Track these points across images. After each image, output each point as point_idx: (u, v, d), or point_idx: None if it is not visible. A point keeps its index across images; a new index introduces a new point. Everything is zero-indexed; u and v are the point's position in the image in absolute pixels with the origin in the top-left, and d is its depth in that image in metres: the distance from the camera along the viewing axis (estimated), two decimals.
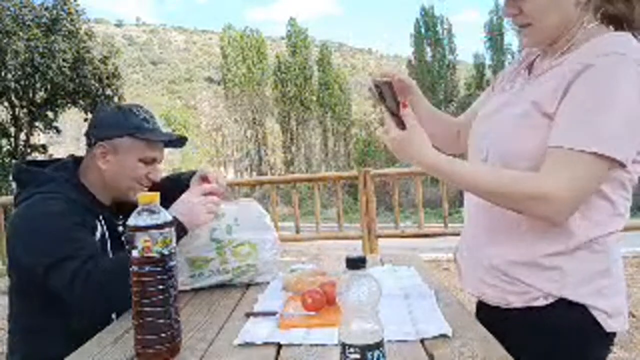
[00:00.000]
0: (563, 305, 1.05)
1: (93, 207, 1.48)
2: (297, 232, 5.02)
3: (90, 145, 1.53)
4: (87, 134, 1.55)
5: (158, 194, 1.02)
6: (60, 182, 1.45)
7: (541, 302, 1.06)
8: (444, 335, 0.99)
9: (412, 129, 1.08)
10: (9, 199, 5.38)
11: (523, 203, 1.00)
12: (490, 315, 1.13)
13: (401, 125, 1.09)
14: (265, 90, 41.91)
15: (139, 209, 0.99)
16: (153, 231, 0.96)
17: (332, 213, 16.66)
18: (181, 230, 1.35)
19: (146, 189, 1.53)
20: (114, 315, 1.40)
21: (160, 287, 0.97)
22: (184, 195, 1.42)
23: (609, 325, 1.06)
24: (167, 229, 0.98)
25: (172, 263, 0.99)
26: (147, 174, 1.53)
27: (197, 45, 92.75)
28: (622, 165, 0.97)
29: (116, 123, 1.50)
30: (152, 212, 0.98)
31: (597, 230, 1.05)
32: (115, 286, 1.20)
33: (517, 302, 1.09)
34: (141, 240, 0.96)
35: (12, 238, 1.40)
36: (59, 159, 1.61)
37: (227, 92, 42.21)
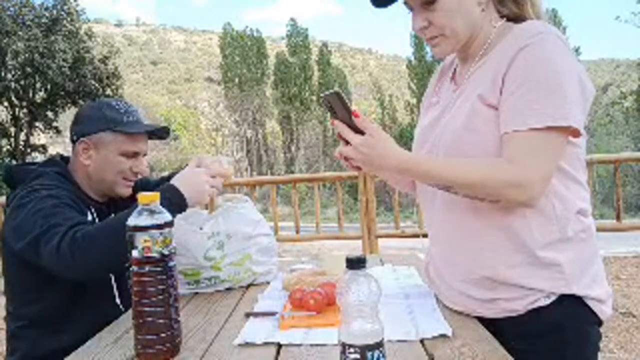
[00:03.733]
0: (562, 301, 1.03)
1: (84, 199, 1.48)
2: (297, 232, 5.02)
3: (73, 141, 1.52)
4: (70, 131, 1.55)
5: (158, 194, 1.02)
6: (50, 176, 1.45)
7: (543, 302, 1.03)
8: (444, 335, 0.99)
9: (374, 131, 1.02)
10: None
11: (501, 191, 0.98)
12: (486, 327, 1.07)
13: (359, 134, 1.02)
14: (265, 90, 41.91)
15: (138, 208, 0.99)
16: (153, 231, 0.96)
17: (332, 213, 16.67)
18: (181, 203, 1.29)
19: (131, 183, 1.52)
20: (117, 298, 1.43)
21: (160, 287, 0.97)
22: (187, 169, 1.39)
23: (602, 311, 1.06)
24: (167, 229, 0.98)
25: (172, 263, 0.99)
26: (131, 168, 1.51)
27: (197, 45, 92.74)
28: (577, 135, 0.99)
29: (95, 118, 1.49)
30: (152, 212, 0.98)
31: (577, 209, 1.06)
32: (104, 243, 1.19)
33: (518, 309, 1.05)
34: (141, 240, 0.95)
35: (7, 228, 1.39)
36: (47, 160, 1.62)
37: (227, 92, 42.18)
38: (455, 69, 1.21)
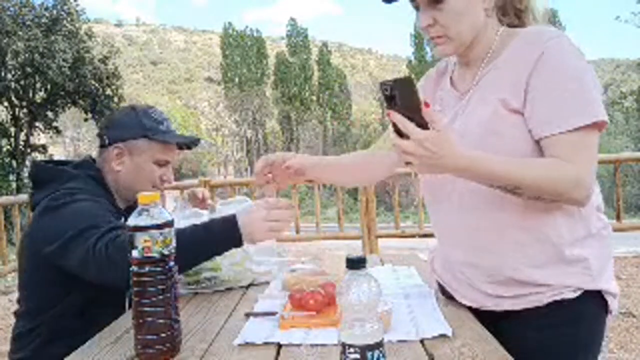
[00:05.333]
0: (585, 295, 1.05)
1: (116, 205, 1.48)
2: (297, 232, 5.02)
3: (103, 145, 1.50)
4: (100, 135, 1.53)
5: (158, 194, 1.02)
6: (84, 179, 1.43)
7: (568, 296, 1.05)
8: (443, 335, 0.99)
9: (441, 127, 0.90)
10: (9, 199, 5.37)
11: (567, 190, 0.97)
12: (498, 317, 1.09)
13: (424, 127, 0.89)
14: (265, 90, 41.92)
15: (138, 209, 0.99)
16: (153, 231, 0.96)
17: (332, 213, 16.68)
18: (237, 241, 1.23)
19: (159, 191, 1.51)
20: (126, 307, 1.40)
21: (161, 287, 0.97)
22: (251, 208, 1.27)
23: (614, 306, 1.09)
24: (167, 229, 0.98)
25: (172, 263, 0.99)
26: (161, 177, 1.52)
27: (197, 45, 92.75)
28: (603, 128, 1.01)
29: (131, 124, 1.49)
30: (152, 212, 0.98)
31: (596, 205, 1.09)
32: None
33: (541, 301, 1.06)
34: (141, 240, 0.95)
35: (35, 229, 1.37)
36: (71, 161, 1.58)
37: (227, 92, 42.19)
38: (451, 77, 1.21)
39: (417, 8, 1.09)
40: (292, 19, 44.61)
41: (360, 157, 1.41)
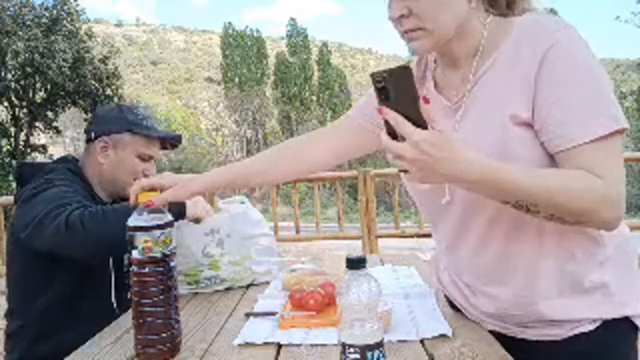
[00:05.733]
0: (609, 323, 0.93)
1: (93, 196, 1.52)
2: (297, 232, 5.02)
3: (89, 140, 1.58)
4: (86, 130, 1.61)
5: (158, 192, 1.02)
6: (62, 171, 1.50)
7: (587, 329, 0.93)
8: (443, 335, 0.99)
9: (446, 130, 0.77)
10: (8, 199, 5.38)
11: (596, 210, 0.81)
12: (517, 346, 0.97)
13: (421, 127, 0.75)
14: (265, 90, 41.93)
15: (139, 208, 0.99)
16: (155, 231, 0.96)
17: (332, 213, 16.67)
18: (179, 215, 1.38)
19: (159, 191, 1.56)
20: (112, 297, 1.46)
21: (161, 287, 0.97)
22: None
23: None
24: (168, 229, 0.98)
25: (172, 263, 0.99)
26: (143, 171, 1.57)
27: (197, 45, 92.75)
28: (622, 133, 0.85)
29: (116, 119, 1.56)
30: (152, 212, 0.98)
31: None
32: (108, 226, 1.22)
33: (560, 335, 0.94)
34: (142, 240, 0.95)
35: (16, 221, 1.41)
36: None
37: (227, 92, 42.21)
38: (434, 79, 1.03)
39: None
40: (292, 19, 44.62)
41: (292, 144, 1.23)
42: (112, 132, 1.54)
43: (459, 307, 1.10)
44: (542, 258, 0.91)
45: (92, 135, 1.56)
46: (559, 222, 0.84)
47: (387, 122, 0.76)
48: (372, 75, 0.76)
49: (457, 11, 0.89)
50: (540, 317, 0.94)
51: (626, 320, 0.93)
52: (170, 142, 1.66)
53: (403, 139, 0.75)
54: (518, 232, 0.91)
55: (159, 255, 0.96)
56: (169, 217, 1.00)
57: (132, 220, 0.97)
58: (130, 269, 0.98)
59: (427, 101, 0.76)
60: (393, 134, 0.77)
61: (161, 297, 0.97)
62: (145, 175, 1.57)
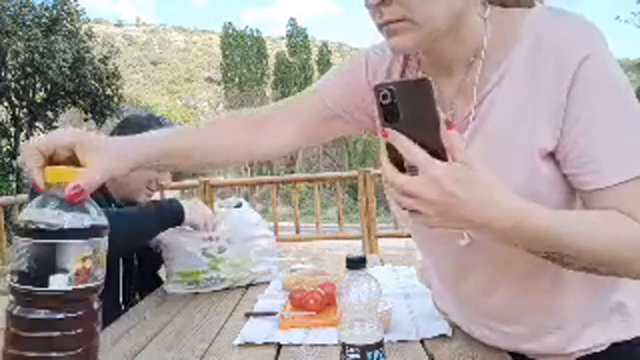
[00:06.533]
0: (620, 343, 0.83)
1: (107, 194, 1.53)
2: (297, 232, 5.02)
3: None
4: (111, 133, 1.62)
5: (73, 170, 0.65)
6: None
7: (599, 349, 0.84)
8: (443, 336, 0.99)
9: (470, 157, 0.59)
10: (8, 199, 5.38)
11: (636, 259, 0.67)
12: None
13: (439, 156, 0.59)
14: (265, 90, 41.93)
15: (44, 196, 0.62)
16: (95, 240, 0.60)
17: (332, 213, 16.67)
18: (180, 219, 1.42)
19: (152, 193, 1.56)
20: (120, 297, 1.47)
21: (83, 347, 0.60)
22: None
23: None
24: (104, 237, 0.63)
25: (97, 304, 0.65)
26: (157, 179, 1.57)
27: (197, 45, 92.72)
28: None
29: (140, 126, 1.56)
30: (86, 205, 0.61)
31: None
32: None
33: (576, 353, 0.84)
34: (77, 256, 0.57)
35: None
36: None
37: (227, 92, 42.22)
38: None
39: None
40: (292, 19, 44.64)
41: (244, 121, 0.95)
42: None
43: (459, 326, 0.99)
44: (561, 290, 0.80)
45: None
46: (591, 272, 0.71)
47: (390, 148, 0.60)
48: (377, 87, 0.59)
49: (449, 3, 0.70)
50: (560, 349, 0.84)
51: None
52: None
53: (413, 170, 0.59)
54: (537, 268, 0.77)
55: (94, 284, 0.61)
56: (95, 212, 0.63)
57: (44, 216, 0.57)
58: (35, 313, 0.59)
59: (451, 126, 0.59)
60: (398, 162, 0.61)
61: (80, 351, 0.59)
62: (159, 185, 1.57)
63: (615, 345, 0.83)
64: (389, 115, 0.60)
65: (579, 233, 0.65)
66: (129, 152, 0.76)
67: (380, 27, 0.73)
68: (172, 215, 1.44)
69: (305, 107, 0.94)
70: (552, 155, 0.71)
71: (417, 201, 0.60)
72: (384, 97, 0.59)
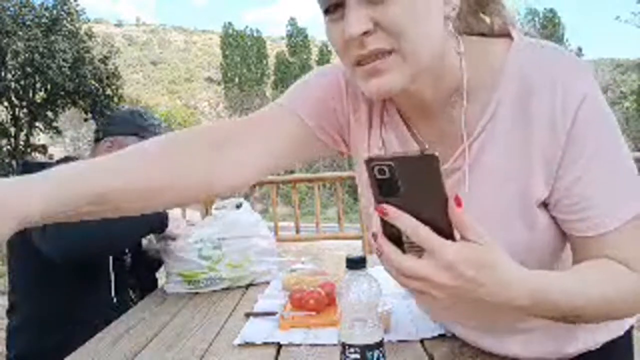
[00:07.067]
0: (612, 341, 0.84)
1: None
2: (297, 232, 5.02)
3: (97, 140, 1.61)
4: (96, 130, 1.64)
5: None
6: None
7: (593, 348, 0.84)
8: (443, 335, 0.99)
9: (482, 235, 0.54)
10: None
11: (636, 308, 0.68)
12: None
13: (444, 233, 0.54)
14: (265, 90, 41.95)
15: None
16: None
17: (332, 213, 16.68)
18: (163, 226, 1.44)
19: None
20: (112, 292, 1.48)
21: None
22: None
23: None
24: None
25: None
26: None
27: (197, 45, 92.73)
28: None
29: (125, 122, 1.59)
30: None
31: None
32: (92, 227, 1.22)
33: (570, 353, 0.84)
34: None
35: None
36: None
37: (227, 92, 42.26)
38: (383, 125, 0.77)
39: (328, 8, 0.63)
40: (292, 19, 44.67)
41: (192, 149, 0.73)
42: (119, 133, 1.57)
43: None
44: None
45: (100, 134, 1.59)
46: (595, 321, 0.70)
47: (386, 225, 0.54)
48: (371, 161, 0.51)
49: (434, 30, 0.62)
50: (556, 352, 0.82)
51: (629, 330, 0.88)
52: None
53: (414, 248, 0.54)
54: None
55: None
56: None
57: None
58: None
59: (460, 203, 0.52)
60: (394, 237, 0.55)
61: None
62: None
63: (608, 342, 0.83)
64: (387, 189, 0.52)
65: (591, 299, 0.63)
66: (13, 206, 0.55)
67: (356, 63, 0.62)
68: (159, 222, 1.46)
69: (276, 124, 0.79)
70: (545, 205, 0.68)
71: (427, 284, 0.54)
72: (381, 171, 0.52)
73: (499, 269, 0.55)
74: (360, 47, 0.60)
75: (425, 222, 0.52)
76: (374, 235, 0.54)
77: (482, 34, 0.71)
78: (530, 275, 0.59)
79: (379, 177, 0.51)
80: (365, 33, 0.59)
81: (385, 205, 0.52)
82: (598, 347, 0.83)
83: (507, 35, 0.69)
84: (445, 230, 0.53)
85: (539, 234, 0.68)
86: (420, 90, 0.67)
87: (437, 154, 0.50)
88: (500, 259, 0.55)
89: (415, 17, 0.59)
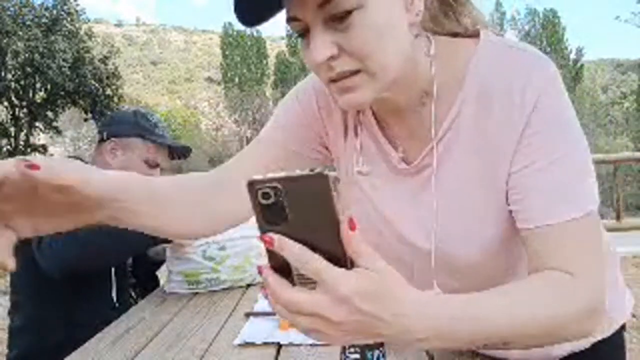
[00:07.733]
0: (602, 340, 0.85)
1: None
2: None
3: (101, 140, 1.61)
4: (100, 131, 1.64)
5: None
6: None
7: (581, 347, 0.84)
8: None
9: (377, 261, 0.48)
10: None
11: (572, 327, 0.61)
12: None
13: (335, 261, 0.46)
14: (266, 90, 41.98)
15: None
16: None
17: None
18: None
19: (152, 174, 1.58)
20: (113, 292, 1.48)
21: None
22: None
23: (628, 317, 0.91)
24: None
25: None
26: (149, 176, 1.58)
27: (197, 45, 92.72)
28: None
29: (129, 123, 1.60)
30: None
31: None
32: (86, 241, 1.24)
33: (550, 354, 0.84)
34: None
35: None
36: None
37: (227, 92, 42.28)
38: (356, 128, 0.78)
39: (301, 33, 0.63)
40: None
41: (191, 190, 0.76)
42: (123, 134, 1.57)
43: None
44: None
45: (104, 135, 1.59)
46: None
47: (272, 254, 0.47)
48: (253, 184, 0.45)
49: (400, 42, 0.63)
50: (545, 353, 0.82)
51: (619, 332, 0.88)
52: (178, 152, 1.70)
53: (304, 280, 0.47)
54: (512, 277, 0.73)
55: None
56: None
57: None
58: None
59: (354, 227, 0.45)
60: (285, 272, 0.48)
61: None
62: (156, 164, 1.61)
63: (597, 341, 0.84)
64: (272, 215, 0.46)
65: (519, 324, 0.57)
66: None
67: (330, 82, 0.64)
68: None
69: (266, 159, 0.79)
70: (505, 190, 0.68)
71: (318, 321, 0.47)
72: (265, 195, 0.45)
73: (401, 298, 0.49)
74: (329, 70, 0.62)
75: (318, 250, 0.46)
76: (259, 269, 0.48)
77: (456, 34, 0.72)
78: (445, 299, 0.55)
79: (263, 202, 0.45)
80: (331, 57, 0.61)
81: (270, 235, 0.46)
82: (588, 347, 0.83)
83: (478, 35, 0.71)
84: (341, 259, 0.46)
85: (514, 226, 0.68)
86: (393, 96, 0.69)
87: (327, 172, 0.44)
88: (402, 287, 0.50)
89: (378, 37, 0.61)
